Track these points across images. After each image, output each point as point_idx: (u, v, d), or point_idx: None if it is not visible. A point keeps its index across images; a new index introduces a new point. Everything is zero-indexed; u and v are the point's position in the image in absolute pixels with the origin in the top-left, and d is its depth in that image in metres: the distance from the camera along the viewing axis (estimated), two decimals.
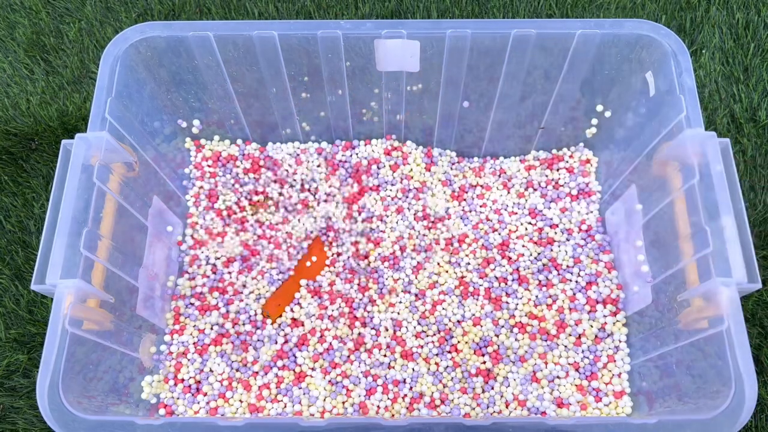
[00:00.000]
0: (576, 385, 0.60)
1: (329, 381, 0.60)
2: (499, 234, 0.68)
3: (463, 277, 0.65)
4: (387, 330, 0.62)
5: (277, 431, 0.47)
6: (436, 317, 0.63)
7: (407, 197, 0.70)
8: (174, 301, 0.64)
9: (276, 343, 0.62)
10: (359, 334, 0.63)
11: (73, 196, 0.51)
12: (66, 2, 0.84)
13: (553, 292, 0.64)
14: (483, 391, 0.60)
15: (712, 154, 0.52)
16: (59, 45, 0.81)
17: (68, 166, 0.53)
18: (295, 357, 0.62)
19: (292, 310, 0.64)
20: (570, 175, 0.70)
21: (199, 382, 0.61)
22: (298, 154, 0.72)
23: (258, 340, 0.62)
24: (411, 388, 0.60)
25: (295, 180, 0.71)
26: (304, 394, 0.60)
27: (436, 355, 0.61)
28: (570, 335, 0.62)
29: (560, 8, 0.81)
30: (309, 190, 0.70)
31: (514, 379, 0.60)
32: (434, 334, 0.62)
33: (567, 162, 0.71)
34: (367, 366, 0.61)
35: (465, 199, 0.70)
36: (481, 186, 0.71)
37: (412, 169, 0.71)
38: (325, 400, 0.59)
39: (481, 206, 0.70)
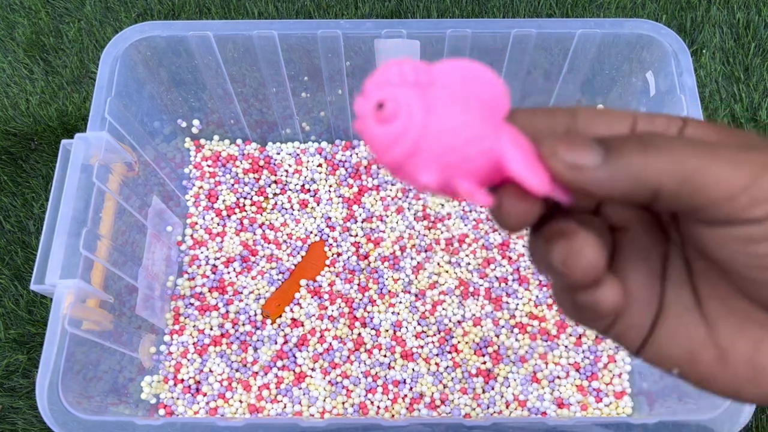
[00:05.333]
0: (576, 386, 0.60)
1: (329, 381, 0.60)
2: (500, 234, 0.67)
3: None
4: (387, 330, 0.62)
5: None
6: (437, 317, 0.63)
7: (407, 197, 0.69)
8: (173, 302, 0.64)
9: (276, 343, 0.62)
10: (359, 334, 0.62)
11: (73, 196, 0.51)
12: (65, 2, 0.84)
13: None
14: (483, 392, 0.60)
15: None
16: (59, 45, 0.81)
17: (68, 166, 0.53)
18: (295, 357, 0.61)
19: (291, 311, 0.64)
20: None
21: (199, 382, 0.61)
22: (298, 154, 0.72)
23: (258, 341, 0.62)
24: (411, 388, 0.60)
25: (294, 180, 0.71)
26: (303, 394, 0.60)
27: (437, 355, 0.61)
28: (570, 335, 0.62)
29: (560, 8, 0.81)
30: (309, 191, 0.70)
31: (515, 380, 0.60)
32: (434, 335, 0.62)
33: None
34: (367, 366, 0.61)
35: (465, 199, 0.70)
36: None
37: None
38: (325, 400, 0.59)
39: (481, 206, 0.70)
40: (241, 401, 0.60)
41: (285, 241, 0.68)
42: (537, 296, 0.64)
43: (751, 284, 0.17)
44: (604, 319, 0.18)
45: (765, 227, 0.15)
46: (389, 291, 0.64)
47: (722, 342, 0.18)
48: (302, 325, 0.63)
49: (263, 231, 0.68)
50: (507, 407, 0.59)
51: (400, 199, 0.70)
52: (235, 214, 0.69)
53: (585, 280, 0.17)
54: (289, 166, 0.71)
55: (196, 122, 0.70)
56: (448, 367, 0.61)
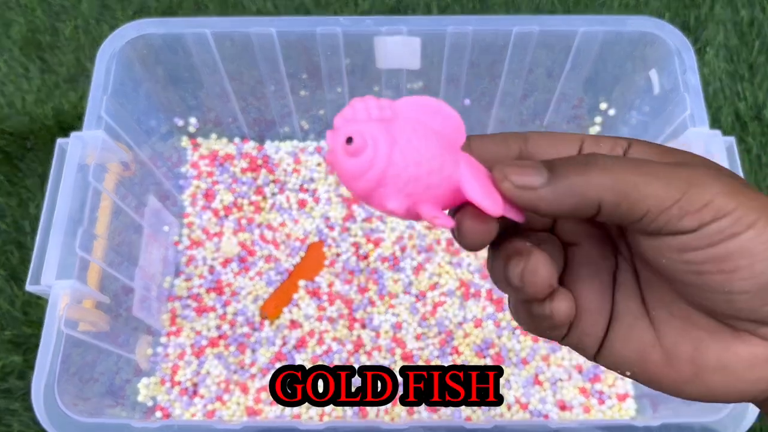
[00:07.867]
0: (579, 388, 0.59)
1: None
2: None
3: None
4: (387, 332, 0.62)
5: None
6: (437, 319, 0.62)
7: None
8: (170, 303, 0.63)
9: (274, 345, 0.61)
10: (358, 335, 0.62)
11: (69, 195, 0.51)
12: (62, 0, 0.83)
13: None
14: None
15: (716, 153, 0.51)
16: (55, 43, 0.80)
17: (63, 165, 0.52)
18: (294, 359, 0.61)
19: (290, 312, 0.63)
20: None
21: (196, 384, 0.60)
22: (296, 153, 0.71)
23: (256, 342, 0.62)
24: None
25: (293, 179, 0.70)
26: None
27: (437, 357, 0.61)
28: None
29: (563, 5, 0.81)
30: (307, 190, 0.70)
31: (516, 382, 0.59)
32: (435, 336, 0.62)
33: None
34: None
35: None
36: None
37: None
38: None
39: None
40: (238, 404, 0.59)
41: (283, 242, 0.67)
42: None
43: (689, 289, 0.18)
44: (559, 328, 0.20)
45: (696, 236, 0.17)
46: (389, 292, 0.64)
47: (667, 344, 0.19)
48: (301, 327, 0.62)
49: (261, 231, 0.67)
50: (509, 410, 0.58)
51: None
52: (233, 213, 0.68)
53: (540, 294, 0.19)
54: (288, 165, 0.71)
55: (193, 121, 0.69)
56: None
